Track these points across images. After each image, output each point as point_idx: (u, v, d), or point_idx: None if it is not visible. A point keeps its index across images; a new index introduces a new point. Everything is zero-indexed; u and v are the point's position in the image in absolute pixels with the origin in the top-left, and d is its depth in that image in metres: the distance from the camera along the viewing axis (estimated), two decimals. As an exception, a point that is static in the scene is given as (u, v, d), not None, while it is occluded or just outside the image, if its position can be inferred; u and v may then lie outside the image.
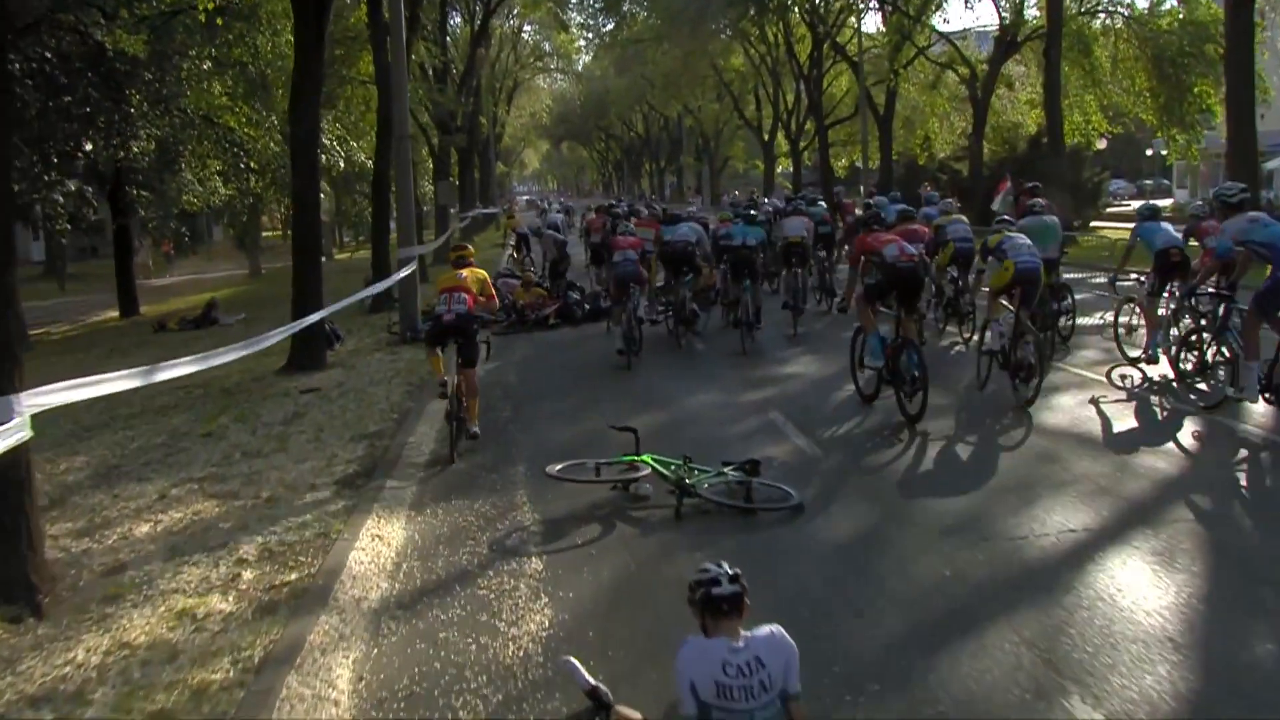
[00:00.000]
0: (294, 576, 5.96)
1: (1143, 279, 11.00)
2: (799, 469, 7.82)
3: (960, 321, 13.15)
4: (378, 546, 6.54)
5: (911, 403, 9.00)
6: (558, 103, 75.30)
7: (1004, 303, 9.80)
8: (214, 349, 8.31)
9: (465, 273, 9.45)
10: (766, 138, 51.95)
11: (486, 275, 9.91)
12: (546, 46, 58.53)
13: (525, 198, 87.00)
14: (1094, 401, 9.56)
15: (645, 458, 7.34)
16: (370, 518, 7.00)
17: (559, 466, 7.37)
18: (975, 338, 12.20)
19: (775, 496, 6.98)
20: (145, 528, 7.01)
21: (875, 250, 9.65)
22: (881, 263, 9.55)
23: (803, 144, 46.48)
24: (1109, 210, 33.55)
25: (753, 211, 16.22)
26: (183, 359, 7.65)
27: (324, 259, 45.13)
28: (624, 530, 6.67)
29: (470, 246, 10.63)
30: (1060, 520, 6.40)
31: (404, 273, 15.94)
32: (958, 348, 12.84)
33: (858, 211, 18.45)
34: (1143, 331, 11.04)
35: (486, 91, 47.28)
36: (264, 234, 40.43)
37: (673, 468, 7.16)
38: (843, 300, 10.97)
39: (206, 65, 19.93)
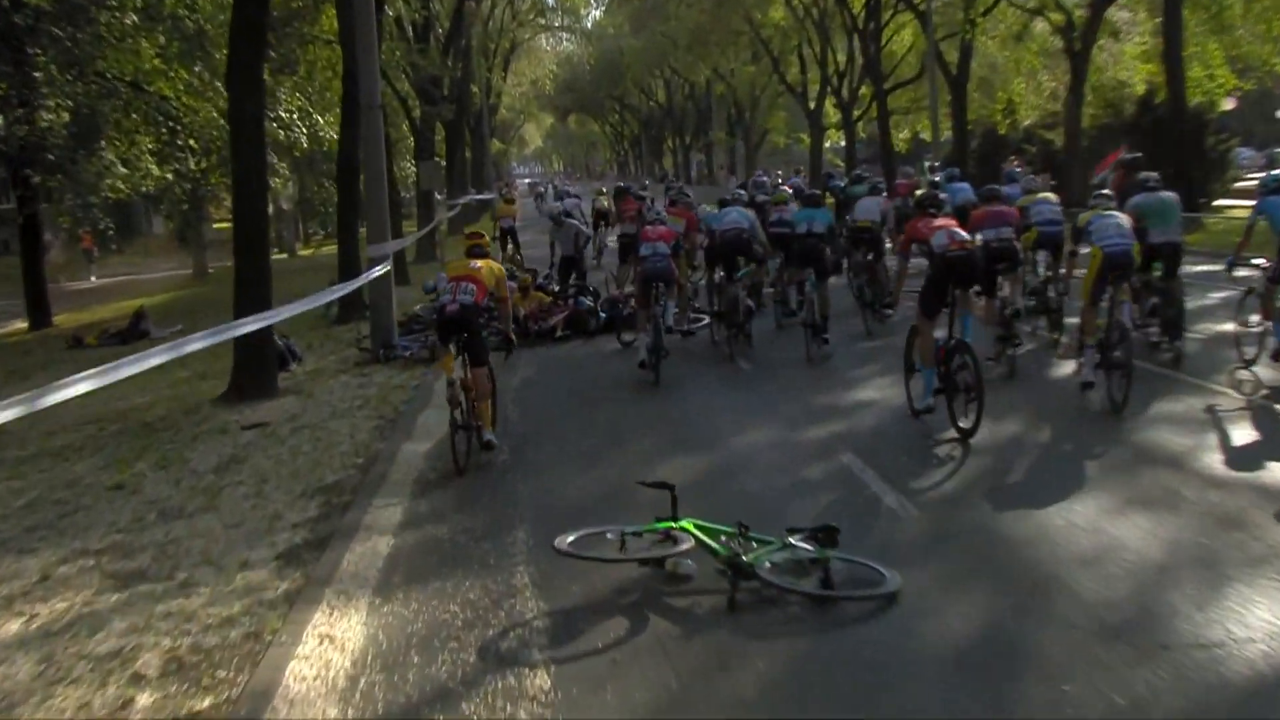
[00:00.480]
0: (207, 703, 5.28)
1: (1264, 265, 10.96)
2: (888, 536, 7.20)
3: (1050, 320, 13.08)
4: (327, 652, 5.89)
5: (966, 416, 9.13)
6: (563, 68, 75.17)
7: (1099, 305, 10.05)
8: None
9: (479, 263, 9.85)
10: (812, 106, 51.18)
11: (504, 272, 10.32)
12: (549, 0, 58.18)
13: (526, 180, 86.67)
14: (1210, 411, 9.72)
15: (686, 524, 6.76)
16: (319, 609, 6.41)
17: (571, 538, 6.77)
18: (1063, 338, 12.50)
19: (862, 578, 6.34)
20: (15, 625, 6.38)
21: (923, 239, 9.91)
22: (930, 253, 9.79)
23: (856, 112, 45.70)
24: (1237, 185, 32.53)
25: (817, 191, 16.28)
26: (68, 380, 6.88)
27: (285, 255, 44.76)
28: (660, 628, 6.01)
29: (486, 235, 10.77)
30: (1268, 619, 5.54)
31: (374, 274, 15.38)
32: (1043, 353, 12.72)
33: (919, 193, 18.10)
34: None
35: (478, 54, 46.86)
36: (214, 225, 40.02)
37: (723, 538, 6.60)
38: (889, 298, 11.03)
39: (131, 19, 19.38)
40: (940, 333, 9.77)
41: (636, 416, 11.18)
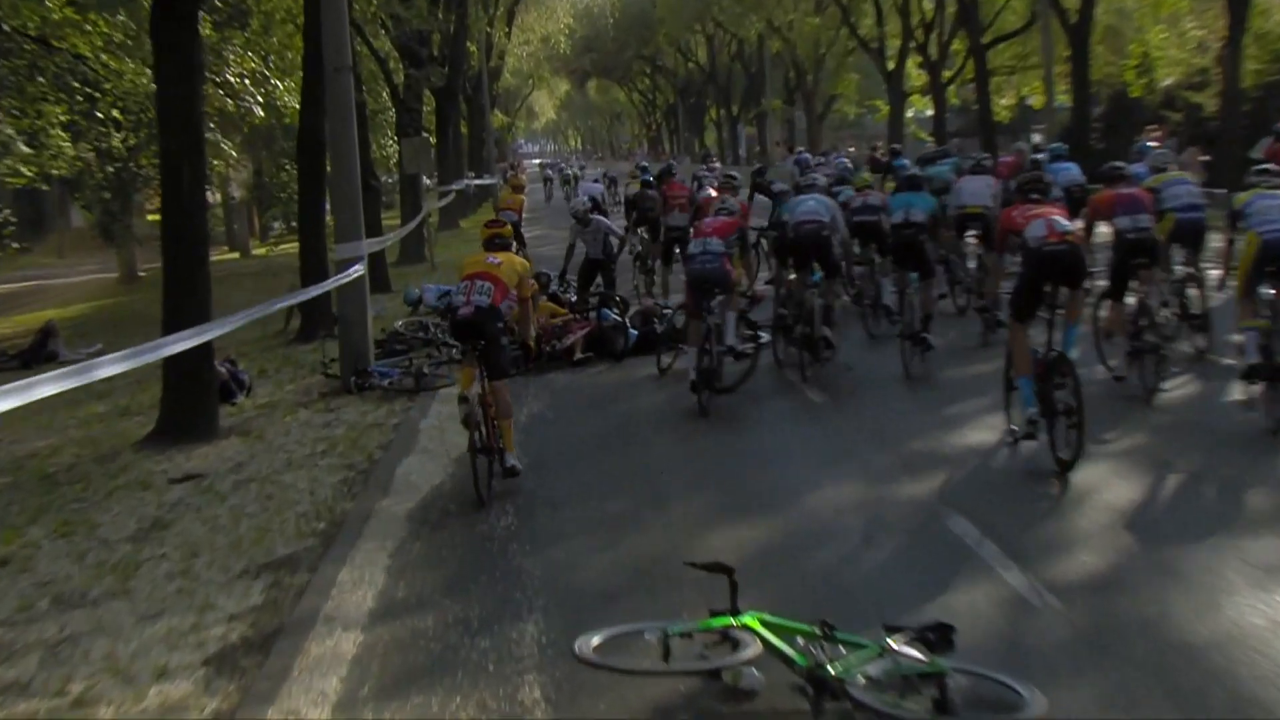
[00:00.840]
0: None
1: None
2: (1022, 637, 6.89)
3: (1191, 328, 13.19)
4: (263, 807, 5.70)
5: (1066, 446, 9.53)
6: (580, 22, 76.03)
7: (1258, 298, 10.30)
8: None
9: (500, 258, 10.50)
10: (891, 66, 51.35)
11: (526, 269, 10.94)
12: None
13: (536, 161, 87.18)
14: None
15: (750, 621, 6.48)
16: (256, 740, 6.19)
17: (597, 639, 6.48)
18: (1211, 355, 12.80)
19: (991, 698, 5.99)
20: None
21: (1018, 230, 10.31)
22: (1023, 247, 10.17)
23: (947, 74, 45.68)
24: None
25: (917, 171, 16.72)
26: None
27: (237, 255, 44.83)
28: (717, 767, 5.78)
29: (509, 225, 11.41)
30: None
31: (344, 279, 15.31)
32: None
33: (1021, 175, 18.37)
34: None
35: (476, 4, 46.85)
36: (147, 218, 40.32)
37: (800, 641, 6.31)
38: (982, 300, 12.14)
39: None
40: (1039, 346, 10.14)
41: (679, 467, 11.05)
